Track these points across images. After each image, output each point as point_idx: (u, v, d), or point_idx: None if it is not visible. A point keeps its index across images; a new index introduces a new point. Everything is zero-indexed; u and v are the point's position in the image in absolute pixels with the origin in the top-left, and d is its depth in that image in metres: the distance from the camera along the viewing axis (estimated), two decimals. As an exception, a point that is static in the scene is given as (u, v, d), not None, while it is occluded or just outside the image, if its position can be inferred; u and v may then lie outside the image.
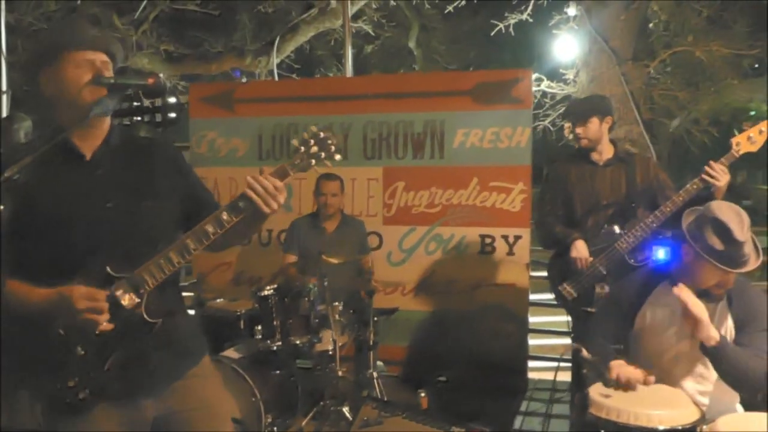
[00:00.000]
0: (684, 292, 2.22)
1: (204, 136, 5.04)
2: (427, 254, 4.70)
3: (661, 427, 1.97)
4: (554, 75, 8.08)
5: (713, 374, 2.32)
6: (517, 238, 4.53)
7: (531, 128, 4.60)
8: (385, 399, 3.64)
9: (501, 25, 8.43)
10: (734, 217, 2.24)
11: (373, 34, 10.04)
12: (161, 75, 1.80)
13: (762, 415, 1.95)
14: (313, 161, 1.89)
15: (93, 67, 1.79)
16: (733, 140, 3.06)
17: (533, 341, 4.91)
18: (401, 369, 4.64)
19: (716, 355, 2.18)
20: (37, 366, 1.77)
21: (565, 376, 5.02)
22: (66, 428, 1.79)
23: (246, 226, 1.91)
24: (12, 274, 1.75)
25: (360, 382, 3.69)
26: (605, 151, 3.56)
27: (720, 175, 3.00)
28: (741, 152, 3.04)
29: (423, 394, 3.92)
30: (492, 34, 8.50)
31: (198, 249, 1.82)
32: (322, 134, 1.90)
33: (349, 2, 5.67)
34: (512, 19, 8.31)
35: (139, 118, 1.91)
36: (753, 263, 2.24)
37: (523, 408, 4.27)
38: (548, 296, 6.43)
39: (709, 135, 7.91)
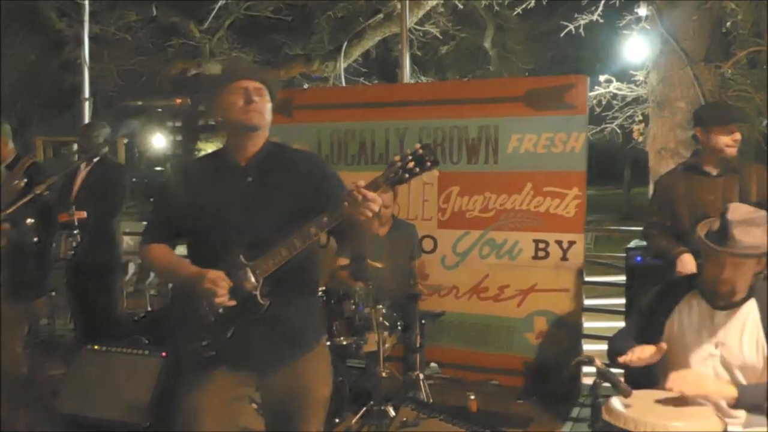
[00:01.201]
0: (674, 386, 2.18)
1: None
2: (481, 258, 4.75)
3: (674, 439, 1.98)
4: (624, 76, 7.93)
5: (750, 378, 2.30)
6: (571, 243, 4.52)
7: (586, 134, 4.57)
8: (430, 400, 3.73)
9: (571, 26, 8.33)
10: (739, 207, 2.29)
11: (440, 37, 10.08)
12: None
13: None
14: (407, 176, 2.02)
15: (246, 92, 2.16)
16: None
17: (589, 347, 4.87)
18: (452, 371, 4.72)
19: (741, 403, 2.16)
20: (186, 324, 2.23)
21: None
22: (194, 380, 2.21)
23: (352, 229, 2.14)
24: (168, 244, 2.31)
25: (406, 383, 3.79)
26: (721, 161, 3.41)
27: None
28: None
29: (472, 397, 3.99)
30: (562, 35, 8.41)
31: (303, 246, 2.09)
32: (420, 151, 2.02)
33: (407, 7, 5.76)
34: (582, 20, 8.20)
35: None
36: (746, 248, 2.24)
37: (574, 414, 4.26)
38: (603, 301, 6.37)
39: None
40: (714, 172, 3.42)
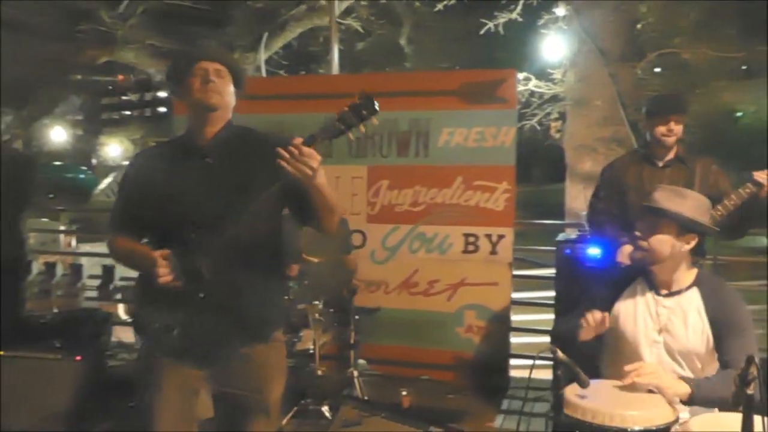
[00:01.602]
0: (632, 371, 2.20)
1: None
2: (411, 253, 4.70)
3: (636, 428, 1.98)
4: (542, 74, 8.11)
5: (689, 373, 2.34)
6: (501, 237, 4.54)
7: (516, 128, 4.61)
8: (366, 398, 3.64)
9: (490, 24, 8.47)
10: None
11: (362, 31, 10.02)
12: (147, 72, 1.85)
13: (736, 415, 1.96)
14: (344, 127, 1.93)
15: (205, 73, 2.14)
16: (756, 175, 3.04)
17: (516, 339, 4.92)
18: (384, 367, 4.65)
19: (694, 401, 2.18)
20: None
21: (545, 374, 5.07)
22: (148, 375, 2.18)
23: (304, 199, 2.05)
24: (130, 233, 2.23)
25: (341, 381, 3.69)
26: (671, 152, 3.46)
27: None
28: None
29: (405, 393, 3.93)
30: (481, 32, 8.53)
31: (251, 221, 2.04)
32: (358, 101, 1.94)
33: (336, 0, 5.66)
34: (501, 18, 8.34)
35: (129, 113, 2.05)
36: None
37: (504, 406, 4.29)
38: (531, 294, 6.48)
39: (698, 136, 7.95)
40: (661, 162, 3.47)
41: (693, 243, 2.37)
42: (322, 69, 11.92)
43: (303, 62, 11.97)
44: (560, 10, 7.70)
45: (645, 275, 2.50)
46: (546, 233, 6.39)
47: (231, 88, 2.21)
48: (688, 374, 2.34)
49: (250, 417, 2.24)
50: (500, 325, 4.57)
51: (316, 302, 3.34)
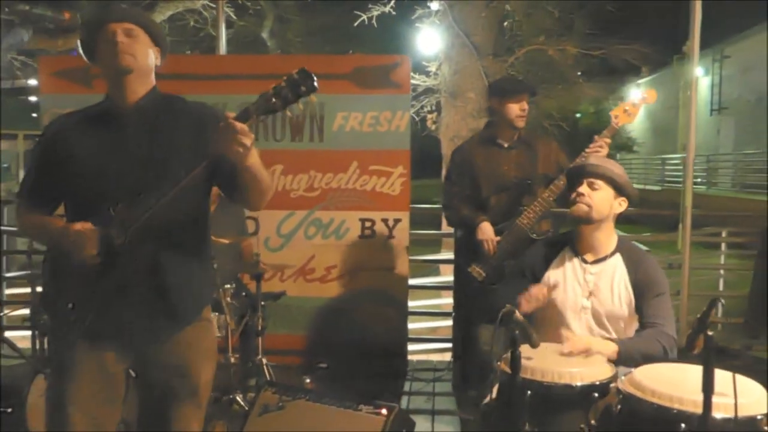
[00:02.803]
0: (567, 338, 2.31)
1: (57, 113, 4.60)
2: (307, 239, 4.61)
3: (581, 383, 2.05)
4: (418, 68, 8.26)
5: (619, 336, 2.46)
6: (397, 221, 4.56)
7: (410, 113, 4.64)
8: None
9: (364, 17, 8.50)
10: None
11: (234, 17, 9.72)
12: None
13: (676, 365, 2.08)
14: (280, 103, 1.82)
15: (114, 35, 1.98)
16: (612, 113, 3.29)
17: (414, 325, 4.97)
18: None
19: (620, 362, 2.29)
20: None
21: (444, 356, 5.17)
22: (61, 361, 2.01)
23: (232, 175, 1.93)
24: (41, 207, 2.09)
25: (251, 368, 3.53)
26: (513, 133, 3.62)
27: (602, 147, 3.21)
28: (620, 124, 3.27)
29: (308, 380, 3.83)
30: (355, 24, 8.54)
31: (173, 193, 1.88)
32: (295, 75, 1.83)
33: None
34: (375, 11, 8.40)
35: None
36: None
37: (407, 388, 4.31)
38: (428, 280, 6.62)
39: (560, 128, 8.45)
40: (506, 144, 3.64)
41: (624, 207, 2.51)
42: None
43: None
44: (434, 5, 7.87)
45: (571, 244, 2.60)
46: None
47: (147, 49, 2.06)
48: (613, 336, 2.47)
49: (177, 402, 2.09)
50: (398, 310, 4.59)
51: (228, 286, 3.16)
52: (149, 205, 1.90)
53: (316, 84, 1.86)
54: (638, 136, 25.39)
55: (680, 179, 19.12)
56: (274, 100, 1.84)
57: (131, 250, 1.93)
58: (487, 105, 7.22)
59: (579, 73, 8.85)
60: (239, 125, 1.79)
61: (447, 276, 6.73)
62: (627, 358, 2.30)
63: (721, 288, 6.04)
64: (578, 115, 18.82)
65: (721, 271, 6.15)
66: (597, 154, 3.17)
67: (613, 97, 13.42)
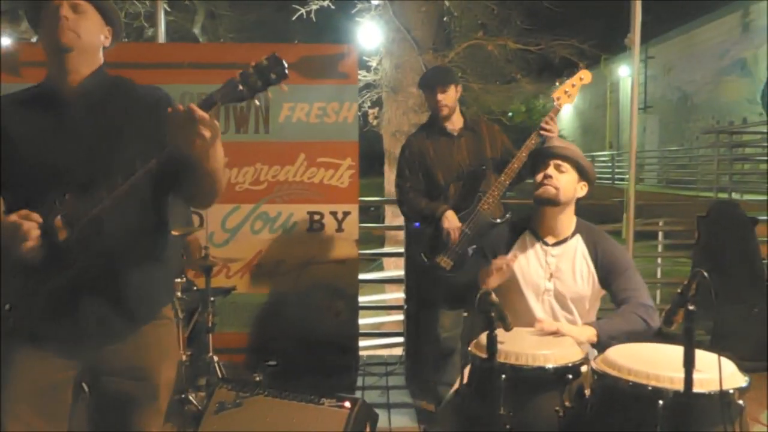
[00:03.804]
0: (548, 325, 2.31)
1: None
2: (253, 233, 4.47)
3: (554, 365, 2.04)
4: (358, 63, 8.19)
5: (578, 318, 2.46)
6: (346, 214, 4.47)
7: (357, 104, 4.58)
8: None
9: (302, 10, 8.38)
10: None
11: (168, 9, 9.41)
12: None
13: (649, 344, 2.08)
14: (247, 91, 1.70)
15: (56, 10, 1.82)
16: (554, 95, 3.35)
17: (365, 321, 4.91)
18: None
19: (603, 344, 2.27)
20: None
21: (393, 351, 5.13)
22: (5, 359, 1.82)
23: (187, 169, 1.80)
24: None
25: (199, 368, 3.39)
26: (458, 121, 3.67)
27: (552, 127, 3.25)
28: (562, 104, 3.32)
29: (258, 378, 3.72)
30: (293, 18, 8.42)
31: (122, 186, 1.73)
32: (264, 62, 1.70)
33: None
34: (314, 5, 8.30)
35: None
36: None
37: (359, 383, 4.25)
38: (374, 275, 6.55)
39: (501, 123, 8.54)
40: (455, 132, 3.68)
41: (584, 191, 2.51)
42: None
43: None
44: (374, 0, 7.83)
45: (531, 228, 2.59)
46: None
47: (96, 28, 1.89)
48: (577, 319, 2.47)
49: (135, 407, 1.94)
50: (349, 304, 4.51)
51: (178, 280, 3.02)
52: (100, 196, 1.75)
53: (287, 71, 1.73)
54: (568, 135, 26.07)
55: (608, 176, 19.72)
56: (240, 87, 1.71)
57: (79, 246, 1.77)
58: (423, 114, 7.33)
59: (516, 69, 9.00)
60: (200, 113, 1.66)
61: (392, 271, 6.70)
62: (609, 340, 2.29)
63: (658, 276, 6.24)
64: (510, 114, 19.16)
65: (659, 260, 6.35)
66: (549, 134, 3.20)
67: (546, 95, 13.71)
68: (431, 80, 3.68)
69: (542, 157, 2.55)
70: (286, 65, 1.73)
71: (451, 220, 3.47)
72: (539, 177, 2.50)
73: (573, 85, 3.31)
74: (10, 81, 4.25)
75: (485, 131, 3.70)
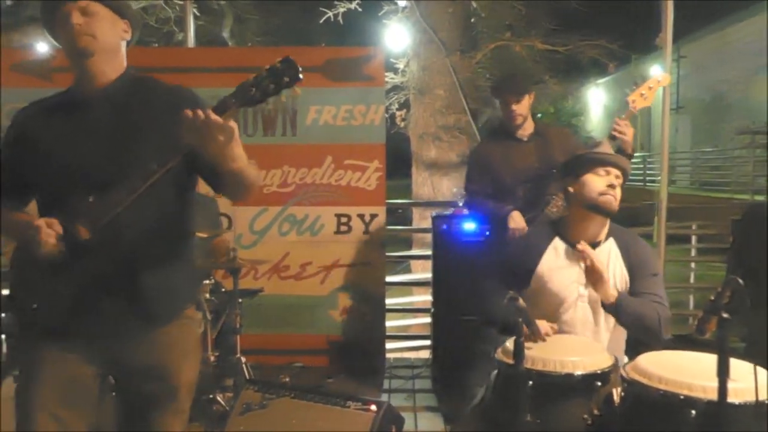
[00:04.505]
0: (588, 249, 2.29)
1: (15, 108, 4.41)
2: (281, 235, 4.50)
3: (582, 372, 2.00)
4: (385, 65, 8.18)
5: (610, 323, 2.42)
6: (373, 216, 4.48)
7: (385, 106, 4.57)
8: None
9: (329, 13, 8.40)
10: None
11: (197, 13, 9.51)
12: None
13: (681, 352, 2.04)
14: (260, 94, 1.69)
15: (68, 15, 1.83)
16: (629, 98, 3.24)
17: (392, 323, 4.90)
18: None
19: (615, 310, 2.29)
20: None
21: (419, 354, 5.10)
22: (25, 363, 1.91)
23: (210, 168, 1.80)
24: (9, 200, 1.94)
25: (226, 369, 3.40)
26: (528, 127, 3.65)
27: (625, 129, 3.18)
28: (637, 108, 3.22)
29: (285, 380, 3.73)
30: (321, 21, 8.44)
31: (141, 187, 1.75)
32: (278, 65, 1.69)
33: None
34: (341, 8, 8.31)
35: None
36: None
37: (385, 386, 4.24)
38: (401, 277, 6.53)
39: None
40: (524, 137, 3.65)
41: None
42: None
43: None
44: (401, 2, 7.81)
45: (560, 233, 2.55)
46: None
47: (111, 25, 1.90)
48: (611, 323, 2.43)
49: (155, 407, 1.96)
50: (375, 307, 4.51)
51: (207, 281, 3.04)
52: (120, 198, 1.77)
53: (300, 75, 1.72)
54: (598, 136, 25.76)
55: (639, 178, 19.46)
56: (253, 90, 1.71)
57: (100, 246, 1.80)
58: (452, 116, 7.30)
59: (544, 70, 8.91)
60: (213, 117, 1.65)
61: (419, 273, 6.67)
62: (622, 311, 2.30)
63: (691, 280, 6.12)
64: (539, 115, 19.03)
65: (692, 264, 6.23)
66: (623, 137, 3.16)
67: (574, 96, 13.55)
68: (505, 90, 3.64)
69: (603, 163, 2.46)
70: (299, 69, 1.73)
71: (516, 221, 3.46)
72: (601, 185, 2.43)
73: (650, 88, 3.22)
74: (43, 86, 4.33)
75: (555, 136, 3.67)
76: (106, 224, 1.78)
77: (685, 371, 1.84)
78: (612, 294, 2.30)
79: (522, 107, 3.59)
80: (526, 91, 3.62)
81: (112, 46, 1.91)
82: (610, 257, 2.46)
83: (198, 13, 9.57)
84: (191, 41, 4.96)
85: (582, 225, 2.49)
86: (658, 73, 3.23)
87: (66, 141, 1.87)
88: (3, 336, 3.07)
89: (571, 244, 2.50)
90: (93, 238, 1.78)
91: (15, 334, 2.58)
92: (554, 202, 3.38)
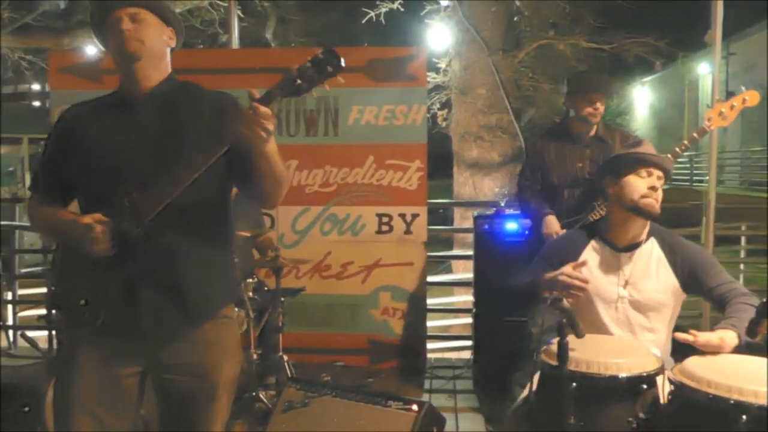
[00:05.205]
0: (693, 337, 2.09)
1: (67, 110, 4.55)
2: (323, 235, 4.53)
3: (627, 375, 1.96)
4: (427, 64, 8.16)
5: (656, 327, 2.37)
6: (415, 216, 4.48)
7: (426, 106, 4.57)
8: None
9: (372, 13, 8.42)
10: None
11: (242, 15, 9.64)
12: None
13: (730, 355, 1.99)
14: (306, 85, 1.71)
15: (118, 21, 1.88)
16: (705, 114, 3.10)
17: (433, 323, 4.89)
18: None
19: (746, 342, 2.10)
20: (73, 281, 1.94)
21: (460, 354, 5.09)
22: (68, 360, 1.93)
23: (249, 161, 1.83)
24: (54, 198, 2.01)
25: (268, 367, 3.44)
26: (591, 130, 3.52)
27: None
28: (713, 127, 3.08)
29: (327, 378, 3.75)
30: (363, 21, 8.47)
31: (189, 178, 1.79)
32: (321, 55, 1.71)
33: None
34: (383, 8, 8.33)
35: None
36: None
37: (426, 386, 4.24)
38: (442, 277, 6.53)
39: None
40: (583, 140, 3.53)
41: None
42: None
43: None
44: (443, 1, 7.79)
45: (599, 234, 2.50)
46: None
47: (157, 32, 1.95)
48: (655, 327, 2.38)
49: (194, 403, 1.98)
50: (416, 306, 4.51)
51: (250, 280, 3.08)
52: (166, 194, 1.81)
53: (343, 63, 1.75)
54: (644, 135, 25.31)
55: (686, 177, 19.04)
56: (299, 81, 1.73)
57: (147, 243, 1.84)
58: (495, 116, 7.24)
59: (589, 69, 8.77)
60: (262, 108, 1.71)
61: (460, 273, 6.64)
62: (743, 337, 2.09)
63: (740, 282, 5.94)
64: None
65: (741, 266, 6.07)
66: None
67: (619, 95, 13.30)
68: (589, 88, 3.43)
69: (646, 164, 2.38)
70: (341, 58, 1.75)
71: (549, 225, 3.40)
72: (643, 187, 2.36)
73: (732, 107, 3.05)
74: (93, 89, 4.44)
75: (617, 140, 3.51)
76: (150, 221, 1.82)
77: (735, 375, 1.80)
78: (732, 338, 2.10)
79: (602, 109, 3.45)
80: (607, 92, 3.50)
81: (159, 51, 1.96)
82: (651, 257, 2.40)
83: (242, 15, 9.69)
84: (235, 43, 5.03)
85: (623, 227, 2.43)
86: (743, 90, 2.96)
87: (111, 140, 1.92)
88: (54, 332, 3.15)
89: (612, 245, 2.46)
90: (138, 234, 1.82)
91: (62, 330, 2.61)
92: (598, 209, 3.31)
